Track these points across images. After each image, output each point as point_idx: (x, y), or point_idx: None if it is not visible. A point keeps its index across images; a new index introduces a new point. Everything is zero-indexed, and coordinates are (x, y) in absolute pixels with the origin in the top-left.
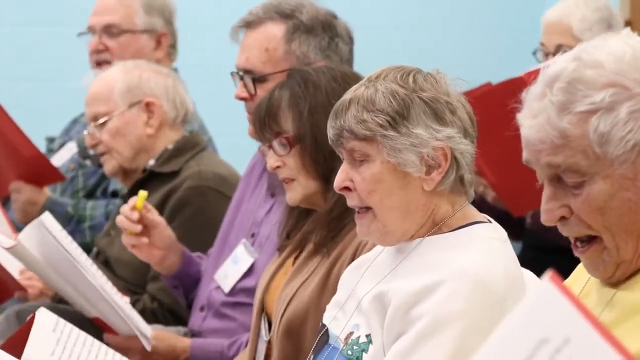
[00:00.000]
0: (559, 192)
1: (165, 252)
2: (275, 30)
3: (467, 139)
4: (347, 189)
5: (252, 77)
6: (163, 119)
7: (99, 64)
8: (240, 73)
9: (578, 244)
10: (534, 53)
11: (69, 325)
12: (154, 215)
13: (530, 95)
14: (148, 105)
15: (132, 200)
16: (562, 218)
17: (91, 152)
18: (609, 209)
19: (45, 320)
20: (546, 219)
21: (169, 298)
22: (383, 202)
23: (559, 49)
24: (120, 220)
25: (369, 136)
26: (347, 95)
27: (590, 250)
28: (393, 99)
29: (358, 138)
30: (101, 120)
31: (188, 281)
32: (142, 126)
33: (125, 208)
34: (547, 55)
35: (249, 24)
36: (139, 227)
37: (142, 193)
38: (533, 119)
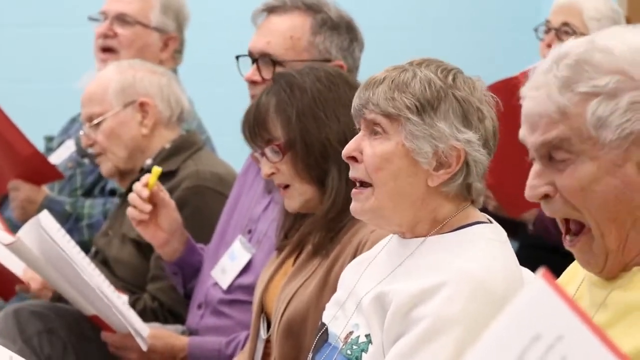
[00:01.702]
0: (547, 170)
1: (170, 235)
2: (302, 20)
3: (485, 149)
4: (353, 159)
5: (271, 59)
6: (158, 119)
7: (104, 49)
8: (255, 56)
9: (568, 237)
10: (536, 30)
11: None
12: (165, 196)
13: (537, 70)
14: (142, 105)
15: (145, 178)
16: (546, 196)
17: (90, 150)
18: (592, 191)
19: None
20: (530, 195)
21: (169, 299)
22: (386, 183)
23: (563, 25)
24: (131, 197)
25: (393, 114)
26: (382, 74)
27: (581, 243)
28: (428, 87)
29: (382, 113)
30: (96, 121)
31: (189, 270)
32: (136, 126)
33: (138, 185)
34: (549, 30)
35: (273, 9)
36: (148, 207)
37: (156, 169)
38: (535, 91)
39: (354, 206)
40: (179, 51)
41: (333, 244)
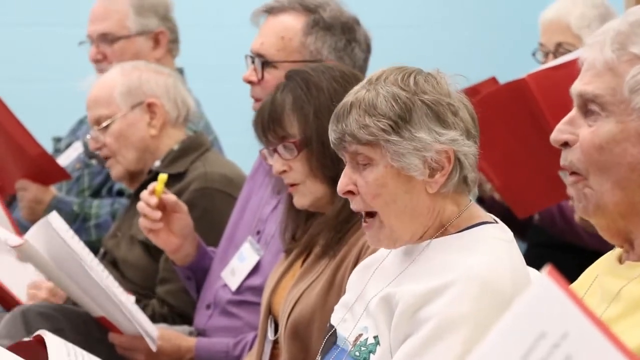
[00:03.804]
0: (577, 121)
1: (182, 240)
2: (295, 21)
3: (470, 140)
4: (350, 192)
5: (262, 60)
6: (165, 119)
7: (102, 72)
8: (253, 56)
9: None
10: (534, 54)
11: (79, 350)
12: (177, 200)
13: (610, 21)
14: (150, 106)
15: (152, 185)
16: (566, 144)
17: (98, 153)
18: (609, 151)
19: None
20: (553, 137)
21: (180, 301)
22: (388, 207)
23: (559, 47)
24: (140, 206)
25: (371, 141)
26: (348, 98)
27: (576, 181)
28: (395, 102)
29: (361, 142)
30: (104, 124)
31: (201, 273)
32: (145, 127)
33: (145, 193)
34: (547, 54)
35: (271, 10)
36: (158, 214)
37: (162, 176)
38: (595, 38)
39: (370, 239)
40: (173, 41)
41: (340, 245)
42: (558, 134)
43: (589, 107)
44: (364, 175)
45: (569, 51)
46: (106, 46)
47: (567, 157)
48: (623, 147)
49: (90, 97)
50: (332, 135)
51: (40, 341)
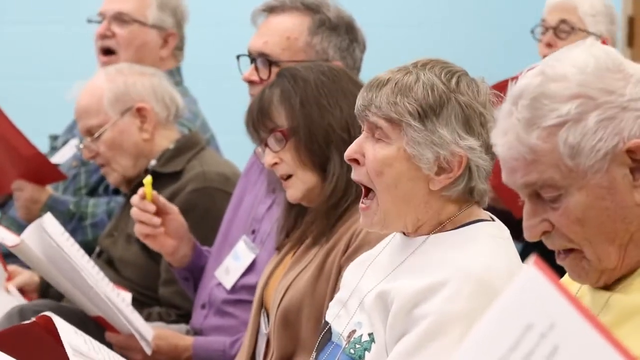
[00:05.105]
0: (538, 207)
1: (178, 241)
2: (300, 20)
3: (488, 155)
4: (355, 161)
5: (267, 60)
6: (156, 121)
7: (104, 51)
8: (253, 56)
9: (561, 251)
10: (532, 31)
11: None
12: (167, 202)
13: (500, 113)
14: (139, 110)
15: (141, 191)
16: (545, 232)
17: (91, 160)
18: (588, 219)
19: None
20: (529, 235)
21: (186, 301)
22: (388, 189)
23: (561, 23)
24: (135, 212)
25: (395, 119)
26: (385, 74)
27: (569, 259)
28: (431, 92)
29: (384, 117)
30: (96, 135)
31: (198, 273)
32: (136, 132)
33: (135, 199)
34: (546, 30)
35: (272, 9)
36: (158, 220)
37: (147, 180)
38: (503, 137)
39: (363, 222)
40: (179, 48)
41: (331, 233)
42: (531, 230)
43: (542, 193)
44: (375, 148)
45: (571, 28)
46: (117, 26)
47: (555, 243)
48: (597, 208)
49: (78, 107)
50: (359, 101)
51: (42, 326)
